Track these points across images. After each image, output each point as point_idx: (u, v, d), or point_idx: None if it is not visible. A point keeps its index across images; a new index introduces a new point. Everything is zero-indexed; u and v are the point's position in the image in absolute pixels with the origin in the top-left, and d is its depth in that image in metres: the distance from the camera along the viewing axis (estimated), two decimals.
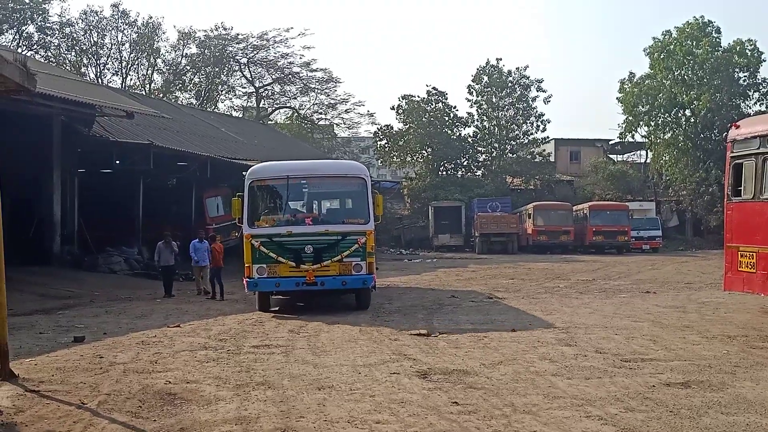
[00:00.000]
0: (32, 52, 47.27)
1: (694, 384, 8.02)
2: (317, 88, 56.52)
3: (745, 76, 49.13)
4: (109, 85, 46.62)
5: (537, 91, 55.22)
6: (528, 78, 55.08)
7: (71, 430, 6.56)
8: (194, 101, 54.48)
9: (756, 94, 49.85)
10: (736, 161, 11.88)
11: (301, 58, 55.15)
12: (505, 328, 12.36)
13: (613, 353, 9.92)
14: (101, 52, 51.41)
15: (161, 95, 51.05)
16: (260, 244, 14.32)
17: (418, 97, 55.27)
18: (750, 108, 50.25)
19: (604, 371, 8.74)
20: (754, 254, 11.19)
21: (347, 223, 15.05)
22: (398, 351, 10.25)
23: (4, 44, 43.27)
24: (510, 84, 54.61)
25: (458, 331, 11.97)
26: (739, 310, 14.64)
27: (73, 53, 51.04)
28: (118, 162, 25.94)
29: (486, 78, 54.64)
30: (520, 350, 10.20)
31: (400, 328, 12.41)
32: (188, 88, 55.69)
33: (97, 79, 49.17)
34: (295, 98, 57.75)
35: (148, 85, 53.32)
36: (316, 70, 55.62)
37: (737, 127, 12.32)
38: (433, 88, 55.26)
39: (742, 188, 11.70)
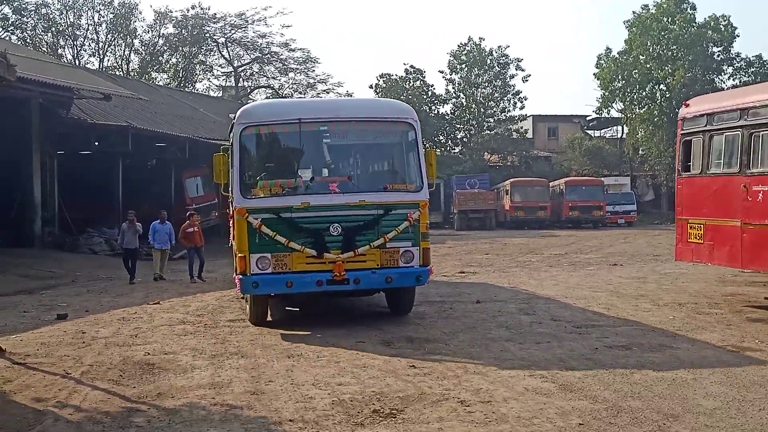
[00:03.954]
0: (8, 34, 47.22)
1: (635, 346, 8.68)
2: (296, 68, 56.67)
3: (719, 51, 49.98)
4: (87, 66, 46.63)
5: (516, 69, 55.79)
6: (507, 57, 55.58)
7: (57, 396, 7.09)
8: (172, 82, 54.47)
9: (730, 69, 50.82)
10: (686, 138, 12.50)
11: (281, 36, 55.42)
12: (471, 300, 12.95)
13: (567, 320, 10.59)
14: (78, 33, 51.28)
15: (139, 76, 51.01)
16: (261, 222, 9.86)
17: (396, 75, 55.67)
18: (724, 83, 51.19)
19: (555, 336, 9.40)
20: (702, 226, 11.85)
21: (391, 190, 10.52)
22: (365, 323, 10.82)
23: None
24: (489, 62, 55.08)
25: (426, 303, 12.54)
26: (698, 280, 15.39)
27: (49, 34, 50.85)
28: (96, 144, 26.25)
29: (464, 56, 55.07)
30: (481, 319, 10.82)
31: (369, 303, 12.81)
32: (166, 68, 55.67)
33: (75, 61, 49.10)
34: (275, 78, 57.89)
35: (125, 66, 53.22)
36: (294, 50, 55.74)
37: (687, 105, 12.91)
38: (411, 66, 55.81)
39: (691, 164, 12.32)
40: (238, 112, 10.86)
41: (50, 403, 6.86)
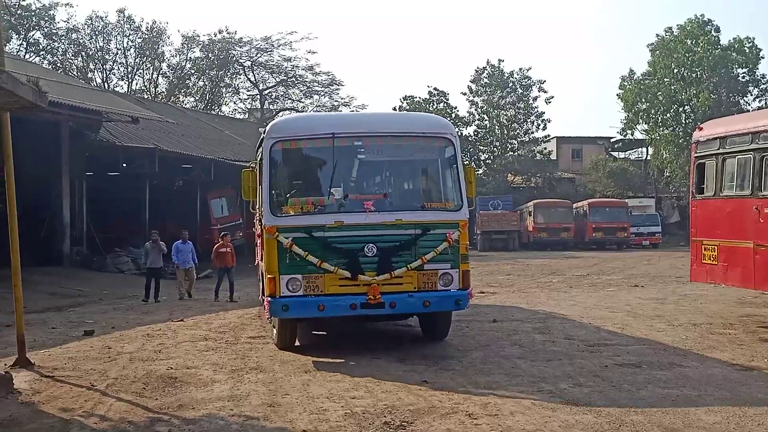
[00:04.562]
0: (39, 58, 48.38)
1: (644, 364, 8.85)
2: (320, 91, 57.39)
3: (743, 73, 49.86)
4: (115, 89, 47.67)
5: (539, 91, 56.04)
6: (530, 78, 55.89)
7: (83, 406, 7.43)
8: (198, 105, 55.42)
9: (755, 90, 50.64)
10: (699, 161, 12.67)
11: (306, 61, 56.18)
12: (488, 319, 13.14)
13: (581, 339, 10.75)
14: (107, 57, 52.49)
15: (166, 99, 52.01)
16: (292, 242, 9.38)
17: (420, 98, 56.12)
18: (749, 104, 51.01)
19: (566, 354, 9.59)
20: (716, 247, 11.98)
21: (429, 208, 10.10)
22: (382, 340, 11.07)
23: (10, 51, 44.30)
24: (511, 84, 55.41)
25: None
26: (717, 301, 15.44)
27: (79, 59, 52.11)
28: (124, 165, 26.93)
29: (486, 78, 55.48)
30: (495, 338, 11.02)
31: (387, 321, 13.05)
32: (192, 91, 56.64)
33: (104, 84, 50.22)
34: (300, 101, 58.62)
35: (153, 89, 54.34)
36: (319, 74, 56.52)
37: (700, 129, 13.09)
38: (435, 88, 56.25)
39: (704, 186, 12.47)
40: (268, 127, 10.48)
41: (77, 413, 7.19)
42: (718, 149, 12.10)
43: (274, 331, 10.60)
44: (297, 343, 10.60)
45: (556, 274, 24.75)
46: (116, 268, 24.90)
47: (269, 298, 9.58)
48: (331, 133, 9.92)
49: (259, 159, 10.67)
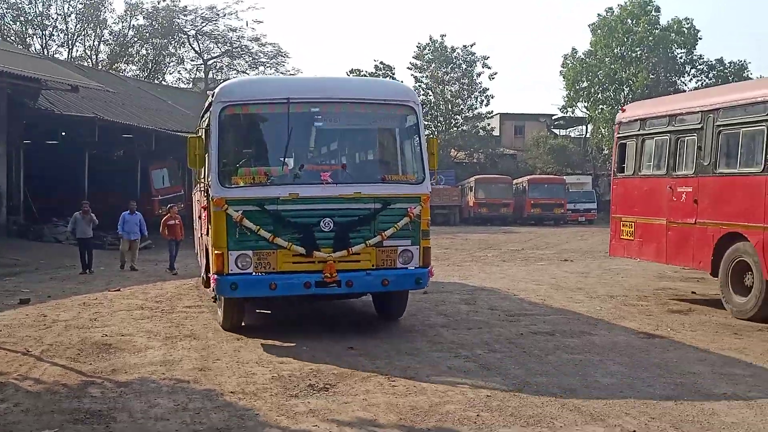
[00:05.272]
0: None
1: (557, 332, 9.46)
2: (266, 62, 56.98)
3: (682, 53, 51.29)
4: (55, 56, 46.56)
5: (483, 67, 56.67)
6: (474, 54, 56.46)
7: (18, 370, 7.67)
8: (141, 73, 54.51)
9: (693, 71, 52.14)
10: (621, 141, 13.32)
11: (252, 30, 55.65)
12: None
13: (503, 310, 11.34)
14: (46, 22, 51.08)
15: (108, 67, 51.02)
16: (242, 215, 8.76)
17: (366, 71, 56.20)
18: (686, 85, 52.57)
19: (487, 323, 10.16)
20: (633, 224, 12.66)
21: (389, 181, 9.52)
22: (314, 309, 11.46)
23: None
24: (455, 59, 55.93)
25: None
26: (637, 275, 16.27)
27: (17, 24, 50.66)
28: (63, 134, 26.58)
29: (428, 54, 55.91)
30: (423, 308, 11.52)
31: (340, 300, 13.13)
32: (135, 60, 55.66)
33: (43, 51, 48.95)
34: (245, 72, 58.01)
35: (94, 57, 53.18)
36: (265, 45, 56.09)
37: (623, 111, 13.75)
38: (381, 62, 56.40)
39: (625, 165, 13.14)
40: (217, 89, 9.62)
41: (11, 376, 7.43)
42: (638, 130, 12.75)
43: (219, 312, 10.03)
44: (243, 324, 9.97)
45: (492, 249, 25.44)
46: (54, 238, 24.68)
47: (216, 276, 8.91)
48: (285, 98, 9.19)
49: (206, 125, 9.95)
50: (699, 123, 11.22)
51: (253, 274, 8.86)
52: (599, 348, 8.52)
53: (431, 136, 10.60)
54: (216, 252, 8.93)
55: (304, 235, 8.86)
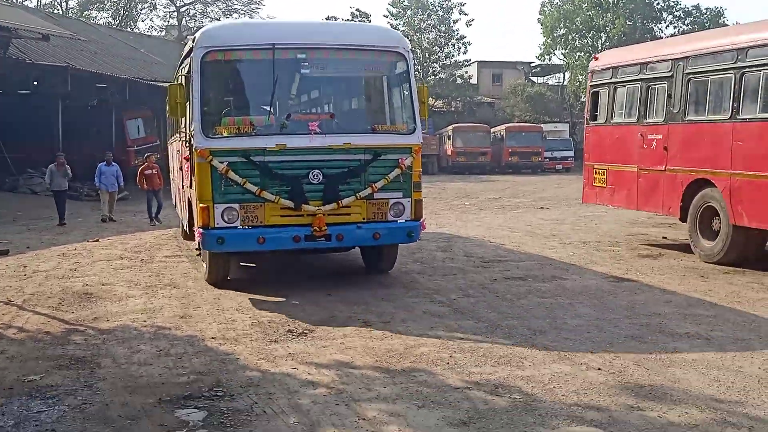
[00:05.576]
0: None
1: (530, 277, 9.73)
2: (240, 9, 56.19)
3: (659, 0, 51.18)
4: (24, 4, 45.52)
5: (459, 14, 56.27)
6: (450, 1, 55.95)
7: (0, 320, 7.79)
8: (113, 21, 53.51)
9: (669, 17, 52.14)
10: (594, 89, 13.45)
11: None
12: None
13: (478, 257, 11.58)
14: None
15: (79, 14, 50.02)
16: (227, 167, 8.46)
17: (342, 19, 55.55)
18: (662, 31, 52.56)
19: (462, 269, 10.40)
20: (605, 171, 12.89)
21: (380, 131, 9.24)
22: (292, 257, 11.63)
23: None
24: (431, 6, 55.44)
25: None
26: (610, 222, 16.58)
27: None
28: (35, 84, 26.17)
29: (404, 1, 55.36)
30: (400, 256, 11.47)
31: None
32: (106, 6, 54.58)
33: None
34: (218, 20, 57.13)
35: (64, 4, 52.11)
36: None
37: (596, 59, 13.86)
38: (357, 9, 55.84)
39: (597, 114, 13.30)
40: (198, 34, 9.14)
41: None
42: (611, 79, 12.89)
43: (204, 265, 9.72)
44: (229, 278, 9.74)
45: (469, 197, 25.67)
46: (29, 189, 24.58)
47: (202, 230, 8.64)
48: (271, 43, 8.82)
49: (186, 72, 9.44)
50: (669, 71, 11.37)
51: (240, 227, 8.59)
52: (569, 292, 8.79)
53: (422, 84, 10.23)
54: (201, 205, 8.61)
55: (292, 187, 8.59)
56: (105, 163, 18.55)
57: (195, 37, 9.11)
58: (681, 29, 50.11)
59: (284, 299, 8.63)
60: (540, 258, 11.39)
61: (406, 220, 9.07)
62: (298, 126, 8.92)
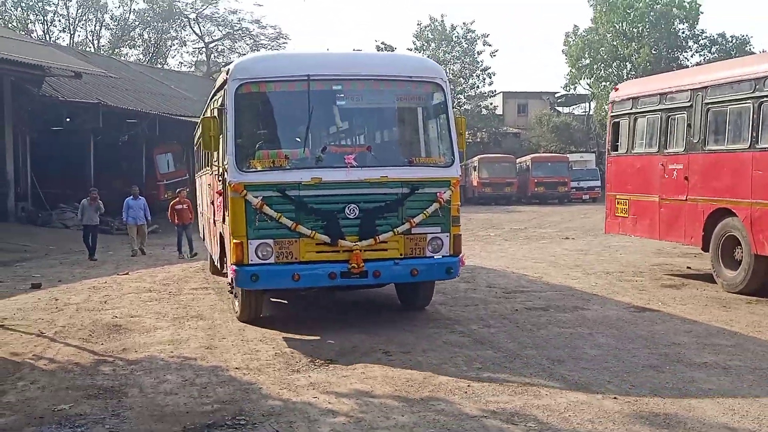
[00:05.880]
0: None
1: (551, 308, 9.79)
2: (267, 45, 57.14)
3: (683, 28, 51.21)
4: (57, 42, 46.82)
5: (483, 45, 56.71)
6: (474, 32, 56.50)
7: (33, 351, 8.04)
8: (143, 57, 54.74)
9: (695, 46, 52.09)
10: (615, 120, 13.56)
11: (252, 14, 55.78)
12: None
13: (500, 287, 11.67)
14: (47, 8, 51.40)
15: (110, 52, 51.27)
16: (262, 201, 8.21)
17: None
18: (688, 60, 52.49)
19: (484, 300, 10.50)
20: (627, 201, 12.95)
21: (417, 164, 8.95)
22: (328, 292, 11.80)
23: None
24: (455, 38, 55.98)
25: None
26: (636, 252, 16.55)
27: (18, 10, 50.90)
28: (68, 120, 26.88)
29: (428, 33, 55.97)
30: None
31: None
32: (137, 44, 55.89)
33: (45, 36, 49.29)
34: (246, 55, 58.19)
35: (95, 42, 53.47)
36: (265, 27, 56.50)
37: (616, 89, 14.00)
38: (382, 42, 56.50)
39: (618, 144, 13.39)
40: (233, 66, 8.88)
41: (27, 356, 7.80)
42: (631, 109, 13.00)
43: (236, 302, 9.45)
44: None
45: (495, 228, 25.73)
46: (61, 224, 25.09)
47: (235, 267, 8.32)
48: (306, 75, 8.54)
49: (218, 105, 9.17)
50: (688, 101, 11.46)
51: (275, 264, 8.29)
52: (590, 322, 8.84)
53: (459, 116, 9.53)
54: (235, 241, 8.31)
55: (328, 222, 8.27)
56: (132, 197, 18.91)
57: (228, 69, 8.88)
58: (707, 58, 49.99)
59: (308, 330, 8.78)
60: (562, 288, 11.45)
61: (443, 256, 8.72)
62: (333, 159, 8.63)
